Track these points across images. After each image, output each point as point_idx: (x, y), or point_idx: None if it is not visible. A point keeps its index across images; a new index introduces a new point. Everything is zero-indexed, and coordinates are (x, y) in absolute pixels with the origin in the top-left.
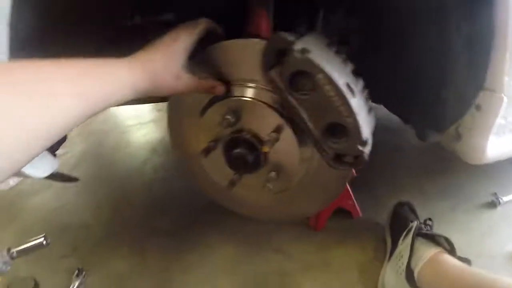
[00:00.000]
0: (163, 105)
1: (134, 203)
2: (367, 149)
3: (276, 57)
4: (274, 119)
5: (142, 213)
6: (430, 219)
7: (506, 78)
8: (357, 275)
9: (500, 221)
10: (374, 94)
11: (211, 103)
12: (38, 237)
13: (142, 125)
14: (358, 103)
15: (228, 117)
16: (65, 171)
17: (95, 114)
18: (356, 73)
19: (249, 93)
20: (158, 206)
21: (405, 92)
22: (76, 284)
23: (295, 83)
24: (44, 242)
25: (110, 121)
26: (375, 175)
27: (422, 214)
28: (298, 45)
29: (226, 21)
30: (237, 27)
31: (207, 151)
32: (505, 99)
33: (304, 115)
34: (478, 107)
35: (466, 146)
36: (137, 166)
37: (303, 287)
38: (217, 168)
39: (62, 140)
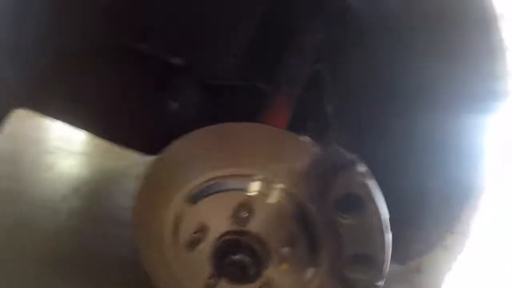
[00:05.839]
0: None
1: (33, 250)
2: (382, 284)
3: (327, 170)
4: (292, 230)
5: (38, 266)
6: None
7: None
8: None
9: None
10: None
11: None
12: None
13: (72, 154)
14: (389, 239)
15: (242, 213)
16: None
17: None
18: None
19: (273, 193)
20: (62, 262)
21: None
22: None
23: (340, 203)
24: None
25: (39, 132)
26: None
27: None
28: (361, 167)
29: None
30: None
31: (194, 243)
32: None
33: (336, 237)
34: (443, 247)
35: (424, 280)
36: (51, 201)
37: None
38: (190, 265)
39: None
